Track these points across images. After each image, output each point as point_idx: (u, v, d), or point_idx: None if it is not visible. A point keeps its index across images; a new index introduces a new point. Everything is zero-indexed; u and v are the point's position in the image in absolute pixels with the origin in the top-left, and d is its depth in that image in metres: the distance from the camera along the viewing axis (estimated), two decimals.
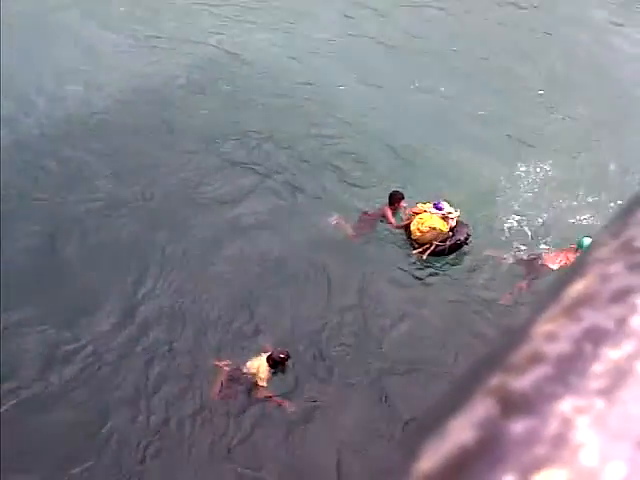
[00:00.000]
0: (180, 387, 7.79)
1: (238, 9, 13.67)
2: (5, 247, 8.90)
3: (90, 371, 7.86)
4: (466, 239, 9.26)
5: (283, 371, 7.93)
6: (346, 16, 13.55)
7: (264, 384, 7.76)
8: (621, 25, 13.57)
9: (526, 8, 13.99)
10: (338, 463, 7.08)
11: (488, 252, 9.27)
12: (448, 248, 9.22)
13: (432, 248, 9.17)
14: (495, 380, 0.62)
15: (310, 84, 11.87)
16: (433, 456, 0.60)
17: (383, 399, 7.72)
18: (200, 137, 10.80)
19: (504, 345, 0.67)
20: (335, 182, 10.19)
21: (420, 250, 9.21)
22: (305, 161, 10.50)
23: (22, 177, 10.03)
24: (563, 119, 11.40)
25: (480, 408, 0.61)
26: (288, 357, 7.87)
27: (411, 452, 0.61)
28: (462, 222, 9.35)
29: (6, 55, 11.58)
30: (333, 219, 9.54)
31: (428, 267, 9.21)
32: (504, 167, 10.33)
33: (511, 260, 9.13)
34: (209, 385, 7.77)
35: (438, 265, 9.24)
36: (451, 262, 9.28)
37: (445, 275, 9.16)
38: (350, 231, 9.48)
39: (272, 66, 12.24)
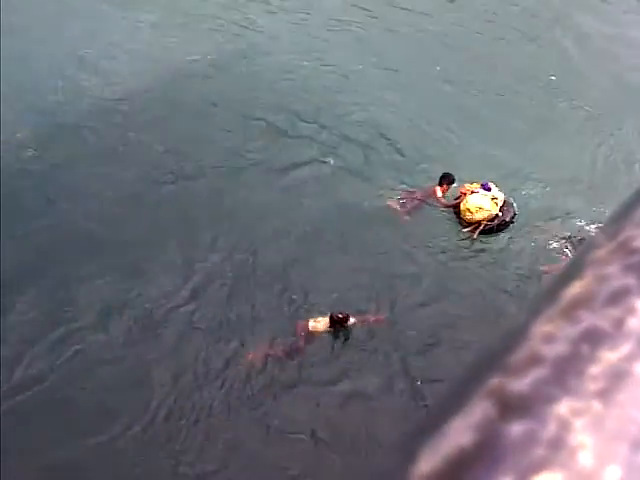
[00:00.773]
0: (226, 347, 7.81)
1: None
2: (71, 212, 9.23)
3: (139, 329, 8.01)
4: (512, 219, 9.40)
5: (344, 333, 7.94)
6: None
7: (315, 331, 7.90)
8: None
9: None
10: (367, 430, 7.10)
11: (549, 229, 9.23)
12: (495, 227, 9.32)
13: (481, 227, 9.34)
14: (493, 382, 0.62)
15: (333, 66, 11.89)
16: (432, 458, 0.61)
17: (408, 375, 7.72)
18: (237, 113, 10.90)
19: (502, 347, 0.67)
20: (375, 160, 10.21)
21: (471, 229, 9.38)
22: (346, 139, 10.53)
23: (80, 153, 10.27)
24: (575, 105, 11.32)
25: (478, 410, 0.61)
26: (347, 318, 7.88)
27: (410, 454, 0.62)
28: (509, 202, 9.44)
29: (19, 41, 11.64)
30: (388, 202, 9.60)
31: (476, 245, 9.29)
32: (528, 150, 10.31)
33: (560, 239, 9.08)
34: (258, 346, 7.81)
35: (486, 244, 9.32)
36: (498, 241, 9.30)
37: (491, 253, 9.18)
38: (400, 211, 9.55)
39: (294, 46, 12.16)
